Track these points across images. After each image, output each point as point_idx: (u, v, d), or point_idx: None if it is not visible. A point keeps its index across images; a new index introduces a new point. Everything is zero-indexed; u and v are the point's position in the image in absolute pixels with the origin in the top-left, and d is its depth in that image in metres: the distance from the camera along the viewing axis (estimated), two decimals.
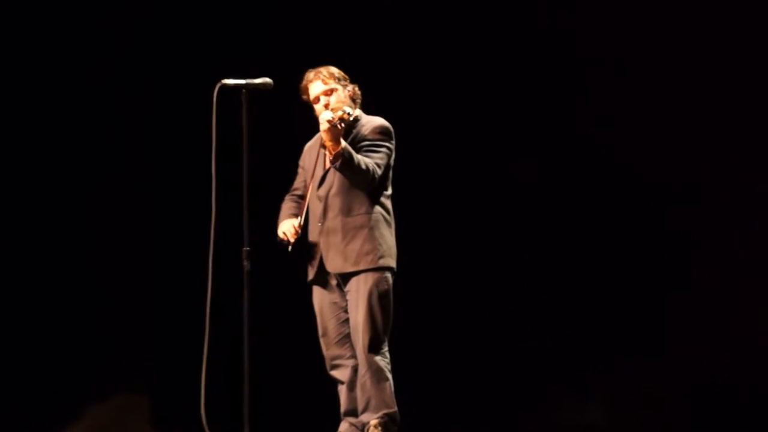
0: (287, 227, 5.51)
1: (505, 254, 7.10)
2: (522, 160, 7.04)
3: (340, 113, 5.24)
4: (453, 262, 7.24)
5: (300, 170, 5.78)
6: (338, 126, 5.25)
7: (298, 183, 5.77)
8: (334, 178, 5.56)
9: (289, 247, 5.47)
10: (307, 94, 5.62)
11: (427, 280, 7.12)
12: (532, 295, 7.06)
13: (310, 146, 5.77)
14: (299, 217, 5.56)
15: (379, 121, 5.64)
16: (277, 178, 5.87)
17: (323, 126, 5.25)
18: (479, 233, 7.19)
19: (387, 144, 5.55)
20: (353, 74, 5.73)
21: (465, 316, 7.26)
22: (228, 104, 5.18)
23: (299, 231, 5.51)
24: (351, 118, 5.35)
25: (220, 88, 5.14)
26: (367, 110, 5.77)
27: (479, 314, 7.20)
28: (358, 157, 5.36)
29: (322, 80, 5.57)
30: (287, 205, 5.73)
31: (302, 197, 5.73)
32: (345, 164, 5.29)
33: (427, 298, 7.18)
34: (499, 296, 7.12)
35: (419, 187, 7.04)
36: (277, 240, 5.48)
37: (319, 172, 5.65)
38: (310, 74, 5.61)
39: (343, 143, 5.29)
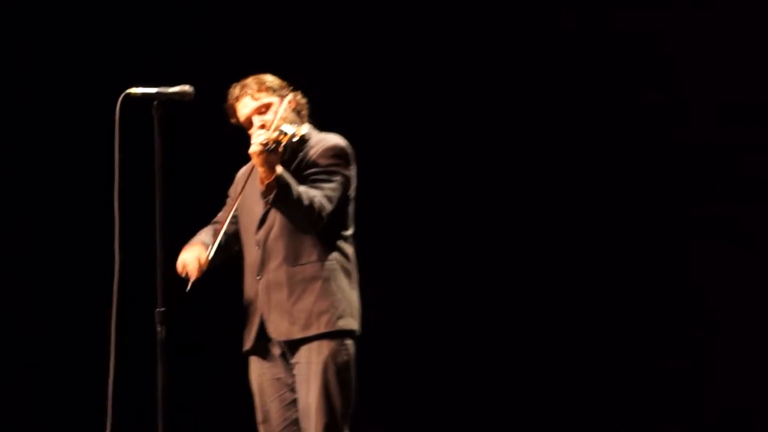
0: (190, 258, 4.45)
1: (492, 309, 6.44)
2: (506, 198, 6.45)
3: (275, 134, 4.22)
4: (428, 319, 6.42)
5: (228, 201, 4.68)
6: (276, 150, 4.19)
7: (222, 215, 4.70)
8: (276, 218, 4.48)
9: (188, 287, 4.42)
10: (236, 117, 4.56)
11: (397, 344, 6.22)
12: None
13: (244, 174, 4.61)
14: (210, 247, 4.51)
15: (332, 140, 4.54)
16: (202, 215, 4.77)
17: (254, 149, 4.22)
18: (462, 284, 6.47)
19: (342, 171, 4.47)
20: (298, 79, 4.64)
21: (446, 390, 6.41)
22: (139, 120, 4.27)
23: (205, 266, 4.46)
24: (294, 139, 4.29)
25: (124, 98, 4.20)
26: (321, 124, 4.66)
27: (463, 387, 6.42)
28: (298, 189, 4.30)
29: (251, 95, 4.50)
30: (203, 232, 4.67)
31: (230, 234, 4.65)
32: (279, 198, 4.25)
33: (398, 369, 6.27)
34: (487, 362, 6.41)
35: (387, 223, 6.15)
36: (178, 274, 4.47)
37: (258, 211, 4.55)
38: (235, 90, 4.54)
39: (279, 170, 4.25)
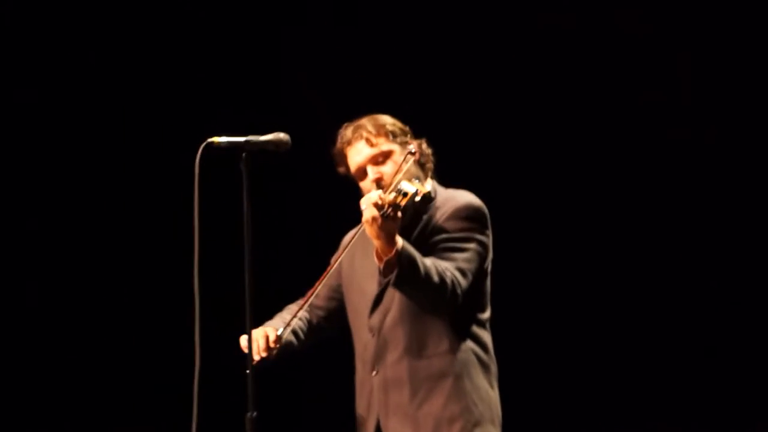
0: (258, 334, 3.60)
1: None
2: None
3: (393, 195, 3.35)
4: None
5: (332, 272, 3.76)
6: (395, 216, 3.34)
7: (322, 291, 3.78)
8: (395, 298, 3.59)
9: (249, 369, 3.45)
10: (346, 165, 3.72)
11: None
12: None
13: (354, 240, 3.71)
14: (287, 325, 3.67)
15: (464, 198, 3.65)
16: (299, 291, 3.87)
17: (368, 215, 3.35)
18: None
19: (477, 236, 3.58)
20: (414, 125, 3.78)
21: None
22: (225, 176, 3.67)
23: (276, 344, 3.61)
24: (417, 198, 3.38)
25: (205, 149, 3.43)
26: (445, 180, 3.78)
27: None
28: (426, 264, 3.42)
29: (368, 140, 3.65)
30: (286, 310, 3.83)
31: (323, 314, 3.84)
32: (403, 278, 3.37)
33: None
34: None
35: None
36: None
37: (371, 289, 3.67)
38: (347, 132, 3.69)
39: (400, 243, 3.37)
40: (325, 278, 3.69)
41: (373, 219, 3.31)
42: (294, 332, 3.72)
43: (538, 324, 5.63)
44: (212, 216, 3.50)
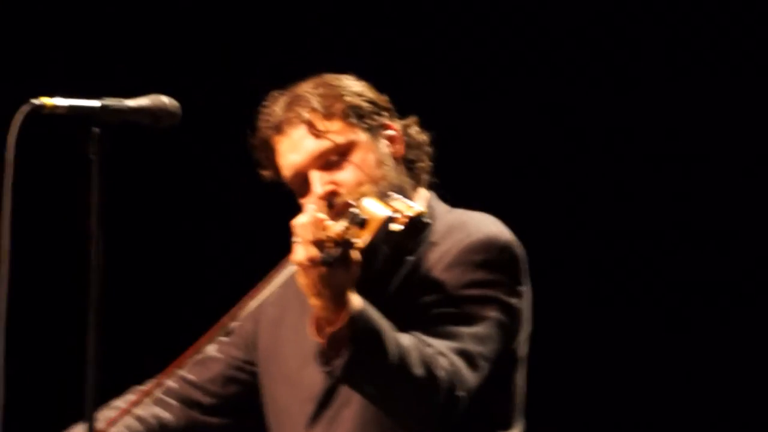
0: None
1: None
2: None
3: (345, 224, 1.94)
4: None
5: (228, 349, 2.33)
6: (347, 261, 1.93)
7: (214, 366, 2.34)
8: (352, 399, 2.14)
9: None
10: (274, 166, 2.27)
11: None
12: None
13: (281, 288, 2.22)
14: None
15: (483, 228, 2.17)
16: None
17: (299, 258, 1.95)
18: None
19: (503, 297, 2.12)
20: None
21: None
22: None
23: None
24: (395, 231, 1.92)
25: (29, 115, 2.17)
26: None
27: None
28: (403, 343, 2.01)
29: (311, 126, 2.19)
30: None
31: (211, 402, 2.33)
32: (357, 367, 1.99)
33: None
34: None
35: None
36: None
37: (313, 378, 2.19)
38: (277, 110, 2.22)
39: (356, 306, 1.98)
40: (211, 346, 2.19)
41: (311, 263, 1.90)
42: None
43: None
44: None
